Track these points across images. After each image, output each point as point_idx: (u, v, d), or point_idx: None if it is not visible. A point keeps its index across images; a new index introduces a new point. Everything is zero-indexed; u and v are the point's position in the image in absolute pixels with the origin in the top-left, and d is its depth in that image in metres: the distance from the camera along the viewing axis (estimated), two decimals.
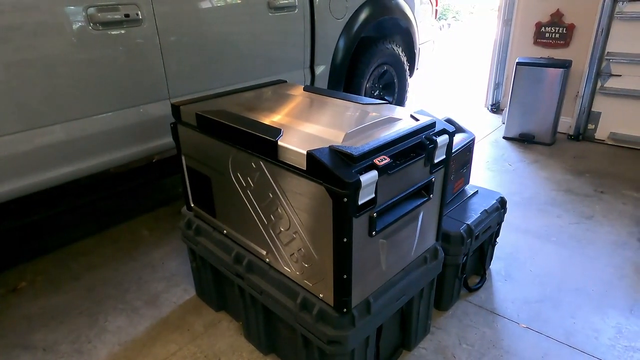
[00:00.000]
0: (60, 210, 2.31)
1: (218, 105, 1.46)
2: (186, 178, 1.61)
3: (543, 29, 3.55)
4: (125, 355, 1.64)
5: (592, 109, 3.47)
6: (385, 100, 3.55)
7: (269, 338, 1.55)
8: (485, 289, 1.92)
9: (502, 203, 1.87)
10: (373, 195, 1.08)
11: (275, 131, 1.18)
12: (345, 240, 1.06)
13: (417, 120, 1.27)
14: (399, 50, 3.49)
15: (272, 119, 1.31)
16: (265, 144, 1.16)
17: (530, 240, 2.25)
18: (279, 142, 1.12)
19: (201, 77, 2.25)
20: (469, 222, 1.68)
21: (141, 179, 2.33)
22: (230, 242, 1.51)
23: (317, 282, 1.20)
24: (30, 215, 2.11)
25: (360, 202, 1.05)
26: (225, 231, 1.52)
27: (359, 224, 1.09)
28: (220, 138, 1.33)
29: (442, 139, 1.25)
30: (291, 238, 1.22)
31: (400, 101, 3.71)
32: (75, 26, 1.74)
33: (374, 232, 1.13)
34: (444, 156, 1.30)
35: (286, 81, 1.81)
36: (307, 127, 1.23)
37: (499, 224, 1.91)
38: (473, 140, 1.84)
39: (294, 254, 1.24)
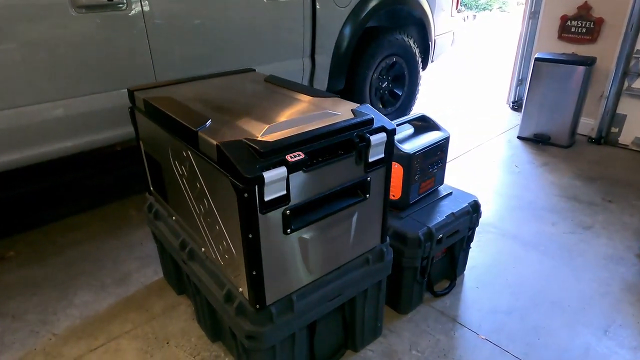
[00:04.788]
0: (56, 183, 2.45)
1: (171, 92, 1.47)
2: (145, 162, 1.64)
3: (569, 22, 3.31)
4: (82, 329, 1.70)
5: (617, 111, 3.22)
6: (396, 93, 3.46)
7: (214, 326, 1.56)
8: (453, 295, 1.84)
9: (474, 207, 1.77)
10: (284, 192, 1.05)
11: (202, 121, 1.16)
12: (250, 236, 1.04)
13: (355, 115, 1.22)
14: (411, 42, 3.37)
15: (210, 108, 1.30)
16: (189, 133, 1.15)
17: (516, 247, 2.13)
18: (199, 133, 1.11)
19: (190, 64, 2.27)
20: (430, 225, 1.61)
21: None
22: (179, 228, 1.53)
23: (237, 276, 1.19)
24: (26, 186, 2.25)
25: (267, 199, 1.02)
26: (174, 217, 1.54)
27: (270, 221, 1.06)
28: (161, 125, 1.34)
29: (378, 137, 1.19)
30: (216, 230, 1.22)
31: (411, 94, 3.60)
32: (57, 9, 1.79)
33: (289, 230, 1.10)
34: (383, 155, 1.24)
35: (255, 70, 1.79)
36: (238, 118, 1.21)
37: (471, 229, 1.82)
38: (447, 139, 1.74)
39: (220, 245, 1.24)
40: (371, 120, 1.20)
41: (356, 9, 2.89)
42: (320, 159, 1.10)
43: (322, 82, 2.97)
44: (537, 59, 3.19)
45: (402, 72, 3.45)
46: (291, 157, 1.03)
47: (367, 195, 1.26)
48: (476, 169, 2.94)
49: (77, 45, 1.88)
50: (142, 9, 2.01)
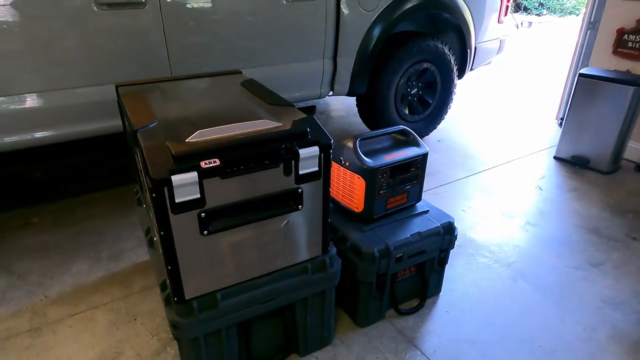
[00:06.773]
0: (88, 160, 2.70)
1: (148, 90, 1.58)
2: (130, 152, 1.77)
3: (626, 36, 2.99)
4: (70, 295, 1.89)
5: None
6: (426, 100, 3.36)
7: None
8: (419, 316, 1.79)
9: (447, 228, 1.70)
10: (198, 196, 1.10)
11: (147, 121, 1.25)
12: (162, 233, 1.10)
13: (291, 127, 1.24)
14: (446, 49, 3.24)
15: (167, 109, 1.38)
16: (132, 131, 1.24)
17: (506, 277, 2.01)
18: (138, 133, 1.19)
19: (206, 61, 2.38)
20: (389, 242, 1.58)
21: None
22: (148, 215, 1.64)
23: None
24: (61, 161, 2.51)
25: (178, 200, 1.08)
26: (144, 204, 1.66)
27: (184, 221, 1.12)
28: (126, 120, 1.45)
29: (309, 151, 1.20)
30: (153, 223, 1.30)
31: (443, 102, 3.47)
32: (79, 6, 1.98)
33: (205, 232, 1.15)
34: (316, 168, 1.25)
35: (241, 72, 1.85)
36: (182, 120, 1.28)
37: (444, 251, 1.75)
38: (424, 156, 1.69)
39: (157, 237, 1.32)
40: (305, 133, 1.21)
41: (383, 13, 2.84)
42: (241, 167, 1.13)
43: (343, 84, 2.97)
44: (581, 75, 2.93)
45: (434, 80, 3.33)
46: (205, 164, 1.08)
47: (300, 207, 1.27)
48: (495, 187, 2.79)
49: (97, 39, 2.06)
50: (160, 7, 2.15)
